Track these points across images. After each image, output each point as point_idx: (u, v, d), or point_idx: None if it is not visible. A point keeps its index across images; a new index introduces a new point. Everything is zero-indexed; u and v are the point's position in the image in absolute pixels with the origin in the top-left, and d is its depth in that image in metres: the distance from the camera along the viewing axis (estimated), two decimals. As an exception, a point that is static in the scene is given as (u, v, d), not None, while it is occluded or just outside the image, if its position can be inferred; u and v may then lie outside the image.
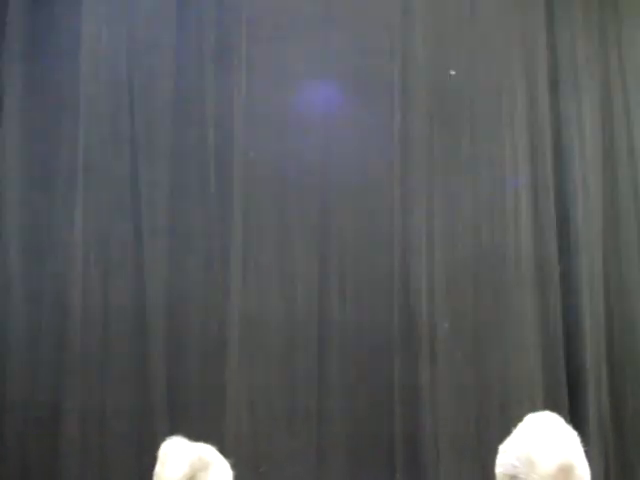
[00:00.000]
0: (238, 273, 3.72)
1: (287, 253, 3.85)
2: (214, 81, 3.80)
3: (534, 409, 1.95)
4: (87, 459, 3.42)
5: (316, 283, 3.86)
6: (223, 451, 2.21)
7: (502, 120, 4.31)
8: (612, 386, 4.39)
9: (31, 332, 3.46)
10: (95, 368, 3.48)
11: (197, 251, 3.70)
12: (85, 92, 3.61)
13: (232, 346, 3.65)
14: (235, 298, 3.69)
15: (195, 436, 2.18)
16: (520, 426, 1.86)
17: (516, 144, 4.32)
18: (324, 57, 4.00)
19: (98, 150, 3.62)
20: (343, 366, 3.84)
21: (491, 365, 4.11)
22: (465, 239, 4.16)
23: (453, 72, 4.21)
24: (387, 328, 3.93)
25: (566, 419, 1.88)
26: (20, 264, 3.50)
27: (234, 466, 2.20)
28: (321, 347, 3.83)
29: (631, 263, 4.54)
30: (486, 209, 4.23)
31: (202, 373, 3.63)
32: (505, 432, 1.90)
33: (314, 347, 3.82)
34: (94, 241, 3.57)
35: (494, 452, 1.87)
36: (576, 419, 3.53)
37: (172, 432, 2.17)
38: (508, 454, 1.81)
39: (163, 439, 2.16)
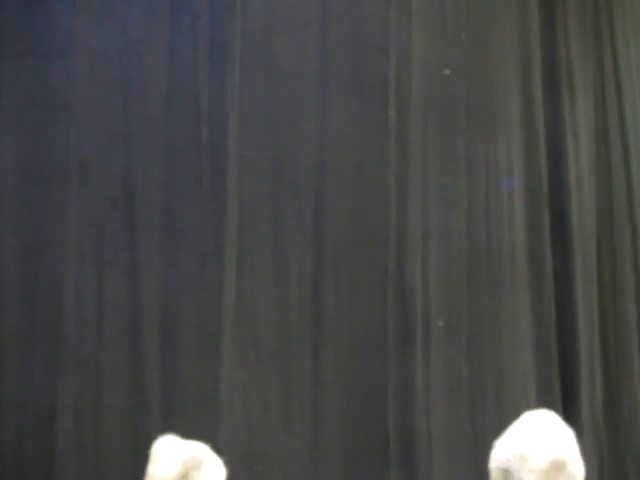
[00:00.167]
0: (232, 270, 3.71)
1: (281, 251, 3.85)
2: (208, 78, 3.79)
3: (528, 406, 1.96)
4: (82, 457, 3.42)
5: (310, 281, 3.86)
6: (217, 449, 2.22)
7: (497, 119, 4.32)
8: (606, 383, 4.41)
9: (25, 330, 3.45)
10: (90, 366, 3.48)
11: (191, 249, 3.70)
12: (79, 90, 3.61)
13: (226, 344, 3.65)
14: (229, 296, 3.69)
15: (190, 434, 2.18)
16: (516, 422, 1.87)
17: (510, 143, 4.33)
18: (318, 54, 4.00)
19: (92, 148, 3.61)
20: (337, 364, 3.84)
21: (485, 363, 4.12)
22: (459, 237, 4.16)
23: (448, 71, 4.22)
24: (381, 326, 3.93)
25: (560, 416, 1.89)
26: (14, 261, 3.49)
27: (228, 464, 2.21)
28: (315, 345, 3.83)
29: (624, 261, 4.56)
30: (480, 207, 4.23)
31: (196, 371, 3.62)
32: (499, 430, 1.91)
33: (308, 345, 3.82)
34: (88, 239, 3.57)
35: (488, 450, 1.88)
36: (570, 416, 3.53)
37: (167, 430, 2.17)
38: (502, 449, 1.82)
39: (158, 437, 2.16)
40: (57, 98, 3.61)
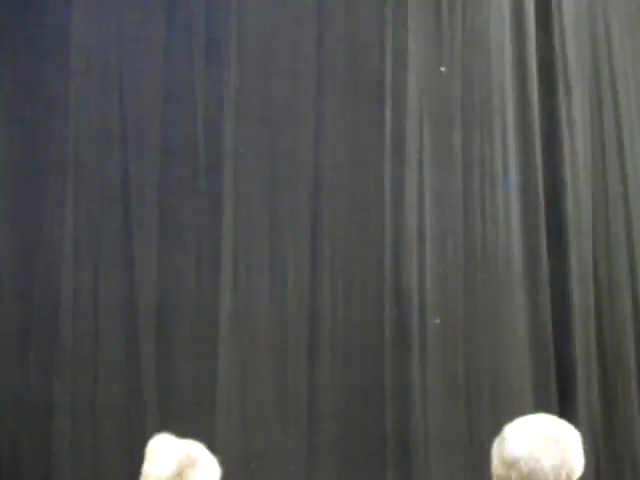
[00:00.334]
0: (229, 270, 3.71)
1: (278, 251, 3.84)
2: (204, 77, 3.78)
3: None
4: (79, 456, 3.42)
5: (307, 281, 3.86)
6: (214, 449, 2.21)
7: (493, 118, 4.32)
8: (602, 383, 4.41)
9: (21, 329, 3.44)
10: (86, 365, 3.47)
11: (187, 248, 3.69)
12: (75, 88, 3.60)
13: (223, 344, 3.65)
14: (226, 296, 3.68)
15: (186, 434, 2.18)
16: (518, 420, 1.88)
17: (507, 142, 4.33)
18: (314, 52, 4.00)
19: (88, 146, 3.61)
20: (334, 364, 3.84)
21: (482, 363, 4.12)
22: (456, 236, 4.16)
23: (444, 69, 4.22)
24: (378, 326, 3.93)
25: (556, 416, 1.89)
26: (9, 260, 3.48)
27: (224, 463, 2.20)
28: (312, 345, 3.82)
29: (620, 261, 4.56)
30: (476, 207, 4.23)
31: (193, 371, 3.62)
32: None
33: (305, 345, 3.81)
34: (84, 238, 3.56)
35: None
36: (566, 416, 3.53)
37: (163, 430, 2.17)
38: (505, 444, 1.82)
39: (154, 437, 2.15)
40: (52, 95, 3.60)
